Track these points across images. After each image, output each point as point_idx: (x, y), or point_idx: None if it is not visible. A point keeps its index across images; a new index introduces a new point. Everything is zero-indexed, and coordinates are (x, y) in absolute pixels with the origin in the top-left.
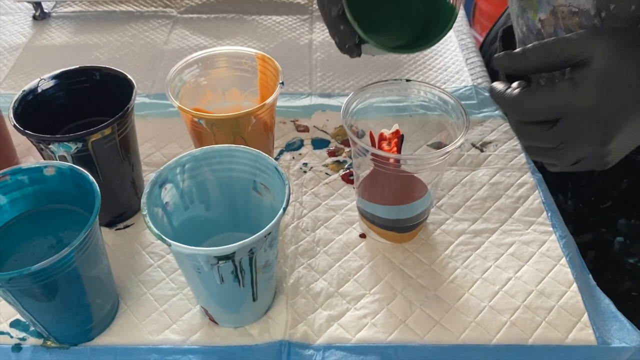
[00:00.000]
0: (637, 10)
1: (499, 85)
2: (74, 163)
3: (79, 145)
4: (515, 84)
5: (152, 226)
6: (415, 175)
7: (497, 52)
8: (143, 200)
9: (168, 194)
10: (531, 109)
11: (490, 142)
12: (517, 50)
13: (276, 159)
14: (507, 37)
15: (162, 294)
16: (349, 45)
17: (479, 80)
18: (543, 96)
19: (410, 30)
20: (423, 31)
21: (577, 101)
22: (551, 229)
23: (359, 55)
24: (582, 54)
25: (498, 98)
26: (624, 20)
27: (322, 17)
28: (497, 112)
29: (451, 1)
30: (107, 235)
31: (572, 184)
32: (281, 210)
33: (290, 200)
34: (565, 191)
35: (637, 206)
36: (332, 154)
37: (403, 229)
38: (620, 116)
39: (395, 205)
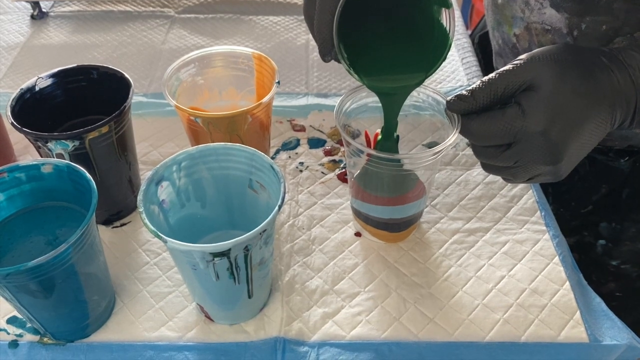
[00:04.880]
0: (608, 30)
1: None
2: (71, 161)
3: (76, 143)
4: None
5: (148, 223)
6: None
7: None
8: (139, 197)
9: (164, 192)
10: (484, 135)
11: None
12: (466, 92)
13: (272, 158)
14: (484, 44)
15: (158, 291)
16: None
17: (475, 80)
18: (494, 124)
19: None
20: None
21: (527, 127)
22: (544, 228)
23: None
24: (526, 82)
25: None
26: (595, 39)
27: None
28: None
29: (445, 25)
30: (104, 233)
31: (552, 188)
32: (276, 208)
33: (286, 199)
34: (545, 196)
35: (617, 210)
36: (328, 153)
37: (395, 227)
38: (568, 136)
39: (389, 206)
